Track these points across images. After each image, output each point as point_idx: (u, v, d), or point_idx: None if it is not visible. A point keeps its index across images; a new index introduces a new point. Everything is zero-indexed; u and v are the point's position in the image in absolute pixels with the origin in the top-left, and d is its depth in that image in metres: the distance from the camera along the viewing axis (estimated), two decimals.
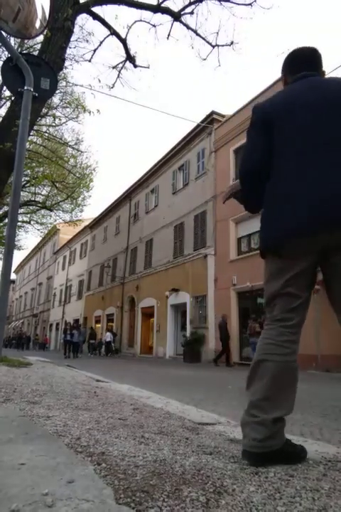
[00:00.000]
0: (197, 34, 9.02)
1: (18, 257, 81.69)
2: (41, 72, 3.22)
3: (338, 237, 1.22)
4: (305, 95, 1.38)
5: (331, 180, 1.22)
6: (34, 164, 12.93)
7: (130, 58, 8.90)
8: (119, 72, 9.61)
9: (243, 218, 13.90)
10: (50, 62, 4.95)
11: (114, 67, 9.82)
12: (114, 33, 8.21)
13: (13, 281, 54.20)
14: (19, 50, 8.28)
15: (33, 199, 16.52)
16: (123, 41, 8.50)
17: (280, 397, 1.29)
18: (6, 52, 7.85)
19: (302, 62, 1.51)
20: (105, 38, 8.79)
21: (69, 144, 14.62)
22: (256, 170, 1.40)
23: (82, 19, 9.61)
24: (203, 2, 8.55)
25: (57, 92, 10.85)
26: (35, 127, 11.31)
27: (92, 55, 9.66)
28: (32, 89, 3.02)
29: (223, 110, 17.23)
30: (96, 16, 7.73)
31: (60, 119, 12.52)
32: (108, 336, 19.13)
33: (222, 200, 1.69)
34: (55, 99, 12.66)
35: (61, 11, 5.98)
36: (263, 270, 1.43)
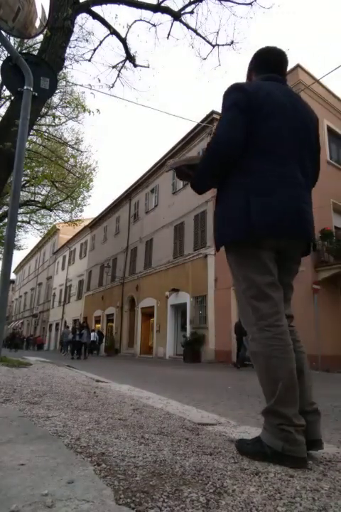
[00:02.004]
0: (197, 33, 9.01)
1: (17, 257, 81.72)
2: (41, 71, 3.21)
3: (295, 245, 1.40)
4: (283, 100, 1.39)
5: (300, 198, 1.33)
6: (34, 164, 12.90)
7: (130, 58, 8.89)
8: (119, 71, 9.60)
9: None
10: (50, 62, 4.95)
11: (113, 67, 9.81)
12: (113, 32, 8.20)
13: (13, 282, 54.17)
14: (19, 49, 8.28)
15: (32, 199, 16.51)
16: (123, 41, 8.49)
17: None
18: (6, 52, 7.85)
19: (272, 64, 1.50)
20: (105, 38, 8.78)
21: (69, 143, 14.62)
22: (235, 153, 1.31)
23: (82, 18, 9.63)
24: (203, 1, 8.55)
25: (56, 91, 10.85)
26: (35, 127, 11.30)
27: (92, 55, 9.67)
28: (32, 89, 3.01)
29: None
30: (96, 16, 7.72)
31: (59, 119, 12.51)
32: (92, 336, 17.91)
33: (168, 167, 1.57)
34: (55, 99, 12.67)
35: (61, 10, 5.97)
36: (242, 261, 1.36)
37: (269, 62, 1.51)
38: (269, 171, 1.31)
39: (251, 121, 1.31)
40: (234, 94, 1.36)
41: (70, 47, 8.99)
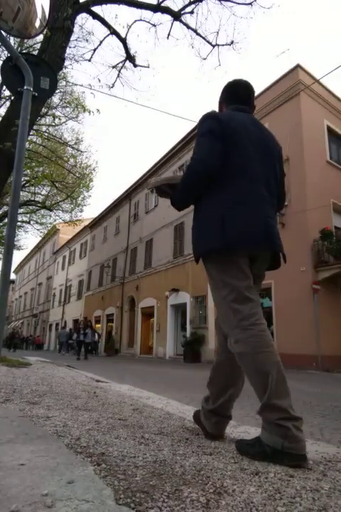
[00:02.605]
0: (197, 33, 9.01)
1: (17, 257, 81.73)
2: (41, 71, 3.21)
3: (264, 257, 1.53)
4: (251, 129, 1.55)
5: (266, 214, 1.48)
6: (34, 164, 12.89)
7: (130, 58, 8.89)
8: (119, 71, 9.60)
9: None
10: (50, 62, 4.95)
11: (113, 67, 9.81)
12: (113, 32, 8.20)
13: (13, 282, 54.16)
14: (19, 49, 8.27)
15: (32, 199, 16.50)
16: (123, 41, 8.49)
17: None
18: (6, 52, 7.85)
19: (240, 96, 1.68)
20: (105, 38, 8.78)
21: (69, 143, 14.61)
22: (211, 175, 1.46)
23: (82, 18, 9.63)
24: (203, 1, 8.55)
25: (56, 91, 10.85)
26: (35, 127, 11.30)
27: (92, 55, 9.67)
28: (32, 89, 3.01)
29: None
30: (96, 16, 7.72)
31: (59, 119, 12.50)
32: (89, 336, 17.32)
33: (150, 185, 1.68)
34: (55, 99, 12.67)
35: (61, 10, 5.97)
36: (227, 268, 1.45)
37: (238, 95, 1.68)
38: (241, 189, 1.47)
39: (224, 147, 1.47)
40: (209, 122, 1.52)
41: (70, 47, 9.00)
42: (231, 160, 1.47)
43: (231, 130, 1.49)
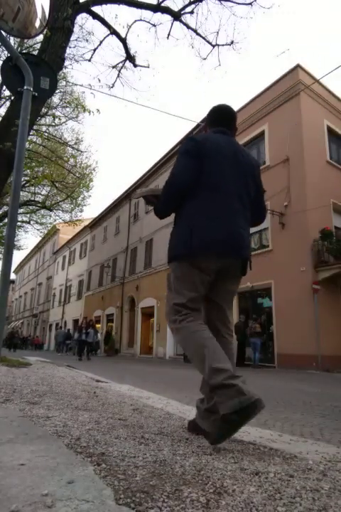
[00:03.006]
0: (197, 33, 9.01)
1: (17, 257, 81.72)
2: (41, 71, 3.21)
3: (228, 263, 1.65)
4: (225, 150, 1.71)
5: (237, 225, 1.64)
6: (34, 164, 12.89)
7: (130, 58, 8.89)
8: (119, 71, 9.60)
9: None
10: (50, 62, 4.95)
11: (113, 67, 9.81)
12: (113, 32, 8.20)
13: (13, 281, 54.15)
14: (19, 49, 8.27)
15: (32, 199, 16.49)
16: (123, 41, 8.49)
17: None
18: (6, 52, 7.85)
19: (222, 119, 1.86)
20: (105, 38, 8.78)
21: (69, 143, 14.61)
22: (184, 189, 1.65)
23: (82, 18, 9.62)
24: (203, 1, 8.55)
25: (56, 91, 10.85)
26: (35, 127, 11.30)
27: (92, 55, 9.66)
28: (32, 89, 3.01)
29: None
30: (96, 16, 7.72)
31: (59, 119, 12.50)
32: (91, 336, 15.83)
33: (137, 195, 1.88)
34: (55, 99, 12.66)
35: (61, 10, 5.97)
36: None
37: (220, 119, 1.87)
38: (212, 202, 1.62)
39: (199, 164, 1.64)
40: (187, 143, 1.72)
41: (70, 47, 8.99)
42: (204, 176, 1.64)
43: (206, 150, 1.67)
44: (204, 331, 1.54)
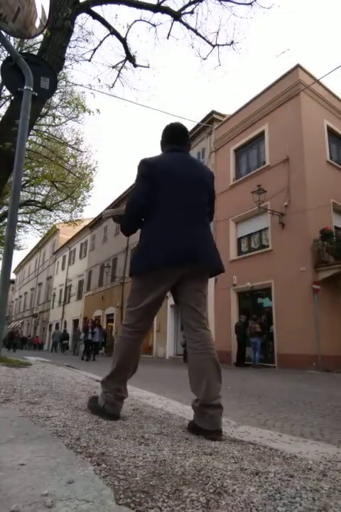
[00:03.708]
0: (197, 34, 9.00)
1: (17, 257, 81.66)
2: (41, 71, 3.21)
3: (187, 270, 1.79)
4: (176, 167, 1.87)
5: (193, 234, 1.80)
6: (34, 164, 12.89)
7: (130, 58, 8.88)
8: (119, 71, 9.58)
9: (243, 218, 13.91)
10: (50, 62, 4.94)
11: (113, 67, 9.80)
12: (113, 32, 8.19)
13: (13, 281, 54.13)
14: (19, 49, 8.27)
15: (32, 199, 16.48)
16: (123, 41, 8.48)
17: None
18: (6, 52, 7.85)
19: (175, 137, 2.00)
20: (105, 38, 8.75)
21: (69, 143, 14.60)
22: (142, 211, 1.86)
23: (82, 18, 9.62)
24: (203, 1, 8.53)
25: (56, 91, 10.84)
26: (35, 127, 11.29)
27: (92, 55, 9.63)
28: (31, 89, 3.01)
29: (223, 110, 17.25)
30: (96, 16, 7.71)
31: (59, 119, 12.48)
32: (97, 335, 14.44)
33: (105, 215, 2.14)
34: (55, 99, 12.65)
35: (61, 10, 5.96)
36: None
37: (171, 137, 2.01)
38: (166, 219, 1.79)
39: (153, 185, 1.81)
40: (141, 167, 1.89)
41: (70, 47, 8.96)
42: (158, 196, 1.81)
43: (158, 171, 1.84)
44: (127, 352, 1.83)
